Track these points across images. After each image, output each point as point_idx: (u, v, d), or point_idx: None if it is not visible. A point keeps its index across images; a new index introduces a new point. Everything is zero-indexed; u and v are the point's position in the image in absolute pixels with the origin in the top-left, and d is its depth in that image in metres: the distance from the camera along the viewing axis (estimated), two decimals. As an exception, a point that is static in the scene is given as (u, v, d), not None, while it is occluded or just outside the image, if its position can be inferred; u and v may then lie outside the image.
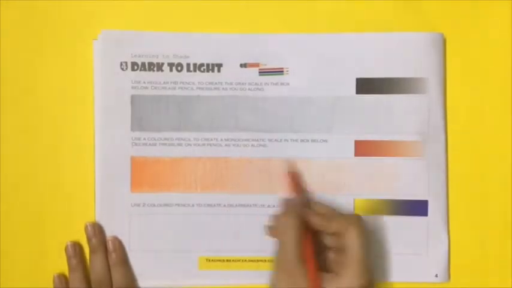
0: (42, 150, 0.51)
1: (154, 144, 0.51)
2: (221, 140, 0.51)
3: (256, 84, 0.51)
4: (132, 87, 0.50)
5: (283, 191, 0.50)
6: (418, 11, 0.51)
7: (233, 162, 0.51)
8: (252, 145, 0.51)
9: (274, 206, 0.50)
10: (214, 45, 0.51)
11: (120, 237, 0.51)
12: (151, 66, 0.51)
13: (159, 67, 0.51)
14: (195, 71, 0.51)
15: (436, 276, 0.51)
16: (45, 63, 0.51)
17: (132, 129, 0.51)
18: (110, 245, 0.50)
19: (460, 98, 0.51)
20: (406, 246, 0.51)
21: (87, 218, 0.51)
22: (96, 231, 0.50)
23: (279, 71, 0.51)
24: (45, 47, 0.51)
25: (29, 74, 0.51)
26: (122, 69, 0.50)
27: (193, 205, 0.50)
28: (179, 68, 0.51)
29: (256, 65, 0.51)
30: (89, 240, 0.50)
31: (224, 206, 0.51)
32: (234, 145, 0.51)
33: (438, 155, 0.51)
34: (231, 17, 0.51)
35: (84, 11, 0.51)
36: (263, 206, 0.51)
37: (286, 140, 0.51)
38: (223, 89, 0.51)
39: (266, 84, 0.51)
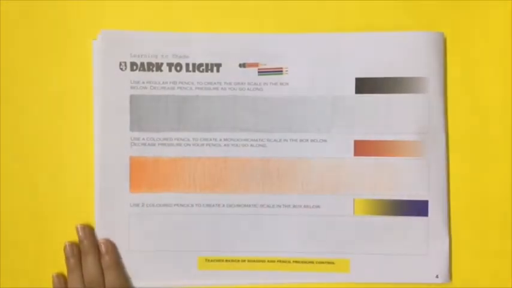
0: (42, 150, 0.51)
1: (154, 144, 0.51)
2: (220, 140, 0.51)
3: (255, 84, 0.51)
4: (131, 87, 0.51)
5: (282, 192, 0.50)
6: (418, 11, 0.51)
7: (232, 162, 0.51)
8: (251, 145, 0.51)
9: (273, 206, 0.51)
10: (213, 45, 0.51)
11: (119, 237, 0.51)
12: (151, 66, 0.51)
13: (158, 67, 0.51)
14: (194, 71, 0.51)
15: (437, 277, 0.51)
16: (45, 63, 0.51)
17: (131, 130, 0.51)
18: (103, 248, 0.50)
19: (460, 97, 0.51)
20: (406, 246, 0.51)
21: (86, 218, 0.51)
22: (87, 233, 0.50)
23: (278, 71, 0.51)
24: (45, 47, 0.51)
25: (28, 74, 0.51)
26: (121, 69, 0.50)
27: (192, 205, 0.51)
28: (178, 68, 0.51)
29: (255, 64, 0.51)
30: (80, 242, 0.50)
31: (223, 206, 0.51)
32: (233, 145, 0.51)
33: (438, 155, 0.51)
34: (230, 17, 0.51)
35: (84, 11, 0.51)
36: (262, 206, 0.51)
37: (285, 140, 0.51)
38: (222, 89, 0.51)
39: (265, 84, 0.51)
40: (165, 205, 0.51)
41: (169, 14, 0.51)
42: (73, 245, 0.50)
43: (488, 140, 0.51)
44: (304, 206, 0.51)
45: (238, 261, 0.51)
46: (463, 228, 0.51)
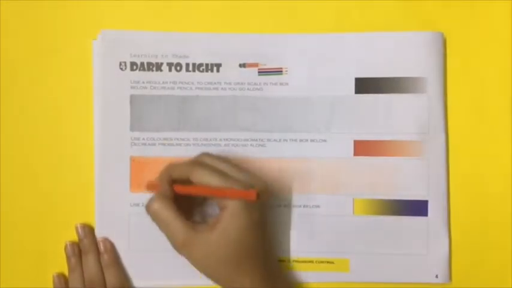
0: (42, 150, 0.51)
1: (154, 144, 0.51)
2: (220, 140, 0.51)
3: (255, 84, 0.51)
4: (131, 87, 0.51)
5: (282, 191, 0.50)
6: (418, 11, 0.51)
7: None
8: (251, 145, 0.51)
9: (272, 205, 0.51)
10: (214, 45, 0.51)
11: (119, 237, 0.51)
12: (151, 66, 0.51)
13: (158, 67, 0.51)
14: (194, 71, 0.51)
15: (437, 276, 0.51)
16: (45, 63, 0.51)
17: (132, 129, 0.51)
18: (101, 246, 0.50)
19: (460, 97, 0.51)
20: (406, 246, 0.51)
21: (86, 218, 0.51)
22: (87, 232, 0.50)
23: (278, 71, 0.51)
24: (45, 47, 0.51)
25: (28, 74, 0.51)
26: (121, 69, 0.50)
27: (192, 205, 0.51)
28: (178, 68, 0.51)
29: (255, 64, 0.51)
30: (80, 241, 0.51)
31: (223, 205, 0.51)
32: (233, 145, 0.51)
33: (438, 155, 0.51)
34: (230, 17, 0.51)
35: (83, 11, 0.51)
36: (262, 205, 0.51)
37: (285, 140, 0.51)
38: (222, 89, 0.51)
39: (265, 84, 0.51)
40: (165, 205, 0.51)
41: (169, 14, 0.51)
42: (74, 244, 0.50)
43: (488, 140, 0.51)
44: (304, 206, 0.51)
45: (238, 261, 0.51)
46: (463, 228, 0.51)
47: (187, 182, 0.45)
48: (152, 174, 0.50)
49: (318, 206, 0.51)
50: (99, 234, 0.51)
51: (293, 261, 0.51)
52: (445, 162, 0.51)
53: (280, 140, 0.51)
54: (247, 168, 0.48)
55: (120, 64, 0.51)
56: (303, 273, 0.51)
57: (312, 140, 0.51)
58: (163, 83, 0.51)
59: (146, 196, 0.50)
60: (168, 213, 0.45)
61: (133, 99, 0.51)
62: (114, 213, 0.51)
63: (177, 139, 0.51)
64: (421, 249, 0.51)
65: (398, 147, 0.50)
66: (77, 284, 0.50)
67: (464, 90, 0.51)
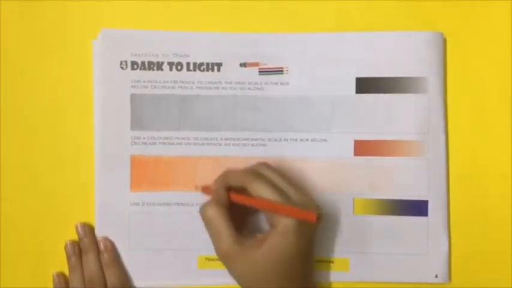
0: (42, 150, 0.51)
1: (154, 143, 0.51)
2: (221, 139, 0.51)
3: (256, 83, 0.51)
4: (132, 86, 0.51)
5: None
6: (418, 11, 0.51)
7: (233, 162, 0.51)
8: (252, 144, 0.51)
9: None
10: (214, 45, 0.51)
11: (120, 236, 0.51)
12: (151, 65, 0.51)
13: (159, 66, 0.51)
14: (194, 70, 0.51)
15: (436, 276, 0.51)
16: (45, 63, 0.51)
17: (132, 128, 0.51)
18: (101, 245, 0.50)
19: (460, 97, 0.51)
20: (406, 246, 0.51)
21: (87, 217, 0.51)
22: (87, 231, 0.50)
23: (279, 71, 0.51)
24: (45, 46, 0.51)
25: (28, 74, 0.51)
26: (122, 68, 0.50)
27: (192, 204, 0.50)
28: (179, 67, 0.51)
29: (256, 64, 0.51)
30: (80, 240, 0.51)
31: (223, 205, 0.51)
32: (233, 144, 0.51)
33: (438, 155, 0.51)
34: (231, 17, 0.51)
35: (83, 10, 0.51)
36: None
37: (285, 140, 0.51)
38: (223, 88, 0.51)
39: (266, 83, 0.51)
40: (166, 204, 0.51)
41: (170, 13, 0.51)
42: (74, 243, 0.50)
43: (488, 140, 0.51)
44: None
45: (239, 260, 0.51)
46: (462, 228, 0.51)
47: (242, 190, 0.46)
48: (152, 173, 0.50)
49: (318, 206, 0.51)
50: (99, 233, 0.51)
51: (293, 260, 0.51)
52: (445, 162, 0.51)
53: (280, 139, 0.51)
54: (302, 188, 0.49)
55: (121, 63, 0.51)
56: (303, 273, 0.51)
57: (312, 140, 0.51)
58: (164, 82, 0.51)
59: (147, 195, 0.50)
60: (221, 221, 0.45)
61: (133, 98, 0.51)
62: (114, 212, 0.51)
63: (178, 138, 0.51)
64: (421, 249, 0.51)
65: (398, 147, 0.51)
66: (77, 283, 0.50)
67: (464, 90, 0.51)
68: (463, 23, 0.51)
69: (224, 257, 0.45)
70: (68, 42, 0.51)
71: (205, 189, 0.48)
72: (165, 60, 0.51)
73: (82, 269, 0.50)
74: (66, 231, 0.51)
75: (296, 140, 0.51)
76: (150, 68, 0.51)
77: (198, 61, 0.51)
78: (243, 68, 0.51)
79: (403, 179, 0.51)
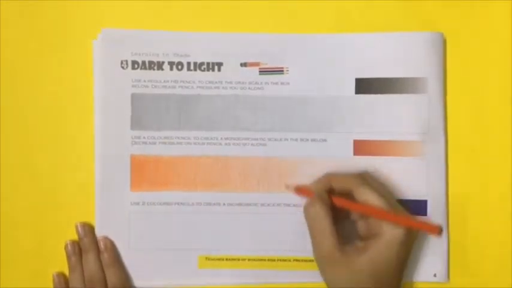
0: (42, 150, 0.51)
1: (154, 143, 0.51)
2: (221, 139, 0.51)
3: (256, 83, 0.51)
4: (133, 86, 0.51)
5: (282, 190, 0.50)
6: (418, 11, 0.51)
7: (233, 161, 0.51)
8: (252, 144, 0.51)
9: (273, 204, 0.51)
10: (215, 44, 0.51)
11: (120, 236, 0.51)
12: (152, 65, 0.51)
13: (160, 66, 0.51)
14: (195, 69, 0.51)
15: (435, 275, 0.51)
16: (45, 63, 0.51)
17: (132, 128, 0.51)
18: (101, 245, 0.50)
19: (460, 97, 0.51)
20: (406, 246, 0.51)
21: (87, 217, 0.51)
22: (87, 231, 0.50)
23: (279, 71, 0.51)
24: (45, 46, 0.51)
25: (29, 74, 0.51)
26: (122, 67, 0.50)
27: (193, 204, 0.50)
28: (179, 67, 0.51)
29: (256, 64, 0.51)
30: (80, 240, 0.50)
31: (224, 204, 0.51)
32: (234, 144, 0.51)
33: (438, 155, 0.51)
34: (231, 16, 0.51)
35: (83, 10, 0.51)
36: (263, 204, 0.51)
37: (285, 139, 0.51)
38: (223, 88, 0.51)
39: (266, 83, 0.51)
40: (166, 204, 0.51)
41: (171, 13, 0.51)
42: (74, 243, 0.50)
43: (488, 140, 0.51)
44: (305, 205, 0.51)
45: (239, 260, 0.51)
46: (462, 228, 0.51)
47: (343, 194, 0.46)
48: (153, 173, 0.50)
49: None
50: (99, 233, 0.51)
51: (293, 260, 0.51)
52: (445, 162, 0.51)
53: (280, 139, 0.51)
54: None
55: (122, 63, 0.51)
56: (303, 273, 0.51)
57: (312, 140, 0.51)
58: (164, 81, 0.51)
59: (147, 195, 0.50)
60: (326, 222, 0.45)
61: (134, 97, 0.51)
62: (114, 212, 0.51)
63: (178, 138, 0.51)
64: (420, 248, 0.51)
65: (398, 147, 0.51)
66: (77, 283, 0.50)
67: (464, 90, 0.51)
68: (463, 23, 0.51)
69: (323, 259, 0.45)
70: (68, 42, 0.51)
71: (300, 190, 0.48)
72: (166, 60, 0.51)
73: (82, 268, 0.50)
74: (66, 231, 0.51)
75: (296, 140, 0.51)
76: (150, 68, 0.51)
77: (199, 61, 0.51)
78: (244, 68, 0.51)
79: (402, 178, 0.51)
